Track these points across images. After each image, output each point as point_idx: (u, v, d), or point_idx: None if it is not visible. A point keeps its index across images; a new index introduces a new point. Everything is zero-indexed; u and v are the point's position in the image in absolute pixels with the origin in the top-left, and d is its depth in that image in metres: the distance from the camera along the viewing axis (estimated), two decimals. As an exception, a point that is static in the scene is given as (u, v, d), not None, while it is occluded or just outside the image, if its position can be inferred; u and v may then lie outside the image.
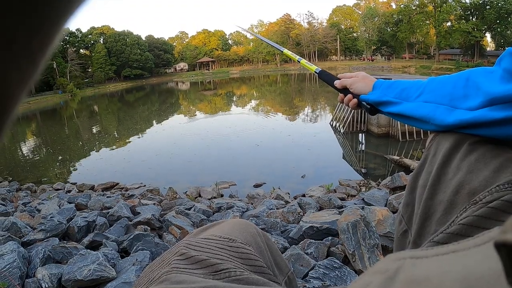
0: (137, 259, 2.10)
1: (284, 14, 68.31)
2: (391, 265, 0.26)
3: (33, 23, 0.13)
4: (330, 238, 2.23)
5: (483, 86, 0.55)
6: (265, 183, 6.72)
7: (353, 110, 10.60)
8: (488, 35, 44.20)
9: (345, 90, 0.92)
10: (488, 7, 38.55)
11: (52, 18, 0.13)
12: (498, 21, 38.49)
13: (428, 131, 0.72)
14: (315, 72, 1.04)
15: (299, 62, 1.11)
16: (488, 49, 46.18)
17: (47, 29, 0.14)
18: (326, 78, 1.01)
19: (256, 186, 6.63)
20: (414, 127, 9.63)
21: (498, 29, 39.74)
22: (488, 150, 0.54)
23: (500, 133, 0.53)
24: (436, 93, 0.64)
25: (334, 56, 65.46)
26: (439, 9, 42.67)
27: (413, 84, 0.72)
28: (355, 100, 0.88)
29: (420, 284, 0.22)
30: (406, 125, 9.45)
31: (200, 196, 5.56)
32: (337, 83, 0.94)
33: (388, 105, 0.77)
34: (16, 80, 0.14)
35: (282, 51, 1.16)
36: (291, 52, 1.15)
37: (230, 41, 79.88)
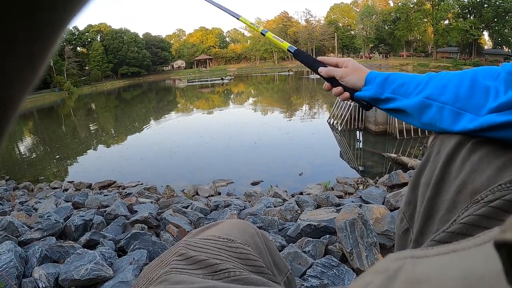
0: (134, 258, 2.10)
1: (282, 12, 68.42)
2: (391, 265, 0.26)
3: (35, 27, 0.13)
4: (327, 236, 2.23)
5: (491, 91, 0.54)
6: (262, 181, 6.73)
7: (350, 108, 10.64)
8: (485, 33, 44.29)
9: (332, 80, 0.83)
10: (486, 5, 38.60)
11: (53, 22, 0.13)
12: (495, 20, 38.57)
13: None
14: (288, 50, 0.90)
15: (263, 35, 0.93)
16: (485, 48, 46.30)
17: (48, 33, 0.14)
18: (305, 60, 0.89)
19: (254, 184, 6.64)
20: (411, 125, 9.65)
21: (496, 28, 39.82)
22: (491, 150, 0.54)
23: (505, 136, 0.53)
24: (439, 91, 0.62)
25: (331, 54, 65.47)
26: (437, 7, 42.71)
27: (411, 79, 0.69)
28: (347, 94, 0.81)
29: (420, 284, 0.22)
30: (404, 122, 9.49)
31: (197, 194, 5.56)
32: (322, 71, 0.84)
33: (386, 102, 0.73)
34: (18, 83, 0.14)
35: (238, 18, 0.98)
36: (250, 22, 0.97)
37: (227, 39, 79.77)
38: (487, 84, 0.56)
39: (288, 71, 50.23)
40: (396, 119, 9.44)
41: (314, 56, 0.88)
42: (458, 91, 0.59)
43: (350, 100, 0.83)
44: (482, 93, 0.56)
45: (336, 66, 0.84)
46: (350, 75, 0.79)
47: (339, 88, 0.81)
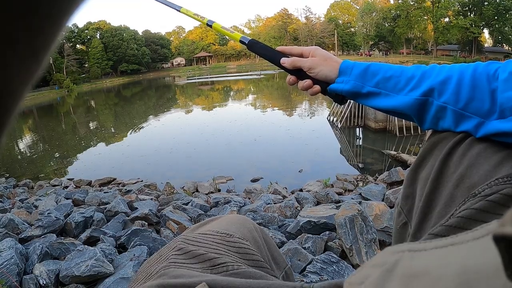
0: (134, 255, 2.10)
1: (282, 9, 68.17)
2: (389, 258, 0.26)
3: (36, 22, 0.13)
4: (327, 232, 2.24)
5: (495, 95, 0.53)
6: (262, 178, 6.73)
7: (350, 105, 10.61)
8: (486, 31, 44.27)
9: (299, 72, 0.74)
10: (486, 3, 38.57)
11: (54, 17, 0.13)
12: (496, 18, 38.52)
13: None
14: (241, 42, 0.81)
15: (210, 26, 0.84)
16: (486, 45, 46.26)
17: (49, 28, 0.14)
18: (263, 52, 0.79)
19: (254, 180, 6.64)
20: (411, 122, 9.65)
21: (496, 26, 39.76)
22: (489, 145, 0.53)
23: (509, 141, 0.52)
24: (438, 88, 0.59)
25: (331, 51, 65.19)
26: (437, 4, 42.62)
27: (399, 71, 0.64)
28: (317, 87, 0.72)
29: (418, 277, 0.22)
30: (403, 120, 9.48)
31: (197, 191, 5.57)
32: (286, 62, 0.74)
33: (369, 96, 0.66)
34: (19, 78, 0.14)
35: (179, 10, 0.87)
36: (193, 12, 0.86)
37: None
38: (490, 85, 0.54)
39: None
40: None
41: None
42: (459, 90, 0.56)
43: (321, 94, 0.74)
44: (484, 95, 0.54)
45: (301, 56, 0.75)
46: (321, 66, 0.71)
47: (308, 81, 0.72)
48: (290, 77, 0.76)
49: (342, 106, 11.18)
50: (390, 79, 0.64)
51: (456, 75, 0.58)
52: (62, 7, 0.13)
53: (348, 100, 0.73)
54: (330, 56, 0.73)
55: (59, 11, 0.13)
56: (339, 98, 0.72)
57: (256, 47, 0.79)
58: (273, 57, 0.77)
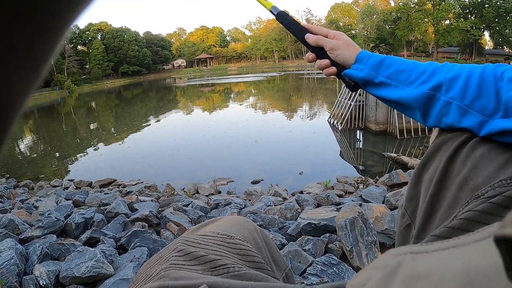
0: (134, 256, 2.10)
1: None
2: (391, 261, 0.26)
3: (35, 31, 0.13)
4: (328, 235, 2.23)
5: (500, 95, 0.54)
6: (263, 180, 6.72)
7: (351, 107, 10.62)
8: (486, 33, 44.38)
9: (319, 50, 0.76)
10: (486, 5, 38.67)
11: (54, 26, 0.13)
12: (496, 20, 38.62)
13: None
14: (270, 11, 0.82)
15: None
16: (486, 48, 46.33)
17: (49, 37, 0.13)
18: (290, 25, 0.82)
19: (254, 182, 6.63)
20: (411, 124, 9.65)
21: (497, 28, 39.89)
22: (493, 147, 0.54)
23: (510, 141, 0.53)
24: (447, 84, 0.60)
25: (332, 54, 65.28)
26: (437, 7, 42.72)
27: (412, 66, 0.66)
28: (333, 69, 0.74)
29: (420, 279, 0.23)
30: (404, 122, 9.47)
31: (197, 192, 5.57)
32: (310, 38, 0.77)
33: (379, 86, 0.69)
34: (18, 87, 0.14)
35: None
36: None
37: (228, 38, 79.80)
38: (496, 85, 0.55)
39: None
40: (396, 118, 9.43)
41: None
42: (466, 87, 0.58)
43: (335, 76, 0.76)
44: (490, 94, 0.55)
45: (326, 37, 0.78)
46: (342, 49, 0.74)
47: (326, 61, 0.75)
48: (310, 54, 0.79)
49: (342, 108, 11.18)
50: (403, 72, 0.66)
51: (465, 74, 0.59)
52: (61, 18, 0.13)
53: (356, 93, 0.75)
54: (352, 42, 0.75)
55: (59, 21, 0.13)
56: (351, 84, 0.74)
57: (284, 19, 0.82)
58: (298, 31, 0.80)
